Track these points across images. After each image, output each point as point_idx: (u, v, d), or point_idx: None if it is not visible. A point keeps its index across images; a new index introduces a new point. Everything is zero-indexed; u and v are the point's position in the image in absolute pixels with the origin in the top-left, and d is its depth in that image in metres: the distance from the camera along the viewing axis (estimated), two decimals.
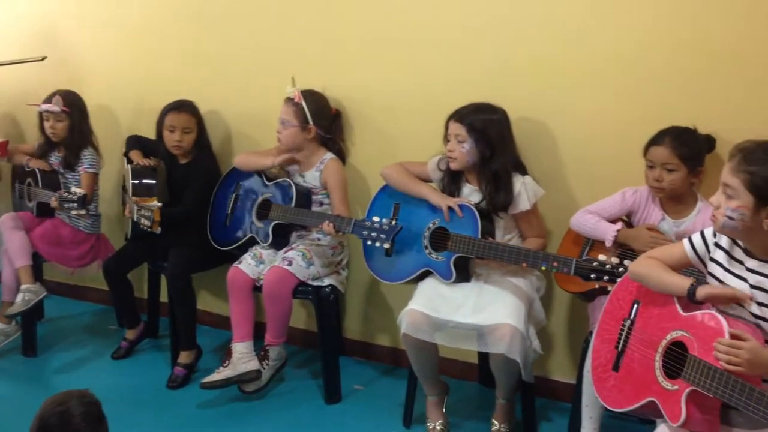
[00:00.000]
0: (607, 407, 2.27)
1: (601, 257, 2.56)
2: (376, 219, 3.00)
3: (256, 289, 3.29)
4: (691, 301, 2.08)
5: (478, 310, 2.76)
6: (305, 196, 3.33)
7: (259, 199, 3.45)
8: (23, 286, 3.59)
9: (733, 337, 1.93)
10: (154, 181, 3.60)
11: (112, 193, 4.10)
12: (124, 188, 3.80)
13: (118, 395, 3.26)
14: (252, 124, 3.76)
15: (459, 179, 2.99)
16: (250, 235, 3.43)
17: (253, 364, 3.22)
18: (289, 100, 3.31)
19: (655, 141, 2.69)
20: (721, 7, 2.73)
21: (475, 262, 2.92)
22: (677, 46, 2.81)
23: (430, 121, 3.05)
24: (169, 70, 3.96)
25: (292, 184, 3.32)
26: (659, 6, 2.83)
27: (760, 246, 2.01)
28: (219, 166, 3.73)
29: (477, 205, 2.90)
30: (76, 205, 3.40)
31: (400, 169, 3.09)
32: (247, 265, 3.30)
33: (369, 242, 3.02)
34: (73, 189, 3.50)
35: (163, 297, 3.82)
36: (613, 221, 2.79)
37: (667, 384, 2.05)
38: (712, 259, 2.14)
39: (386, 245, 2.99)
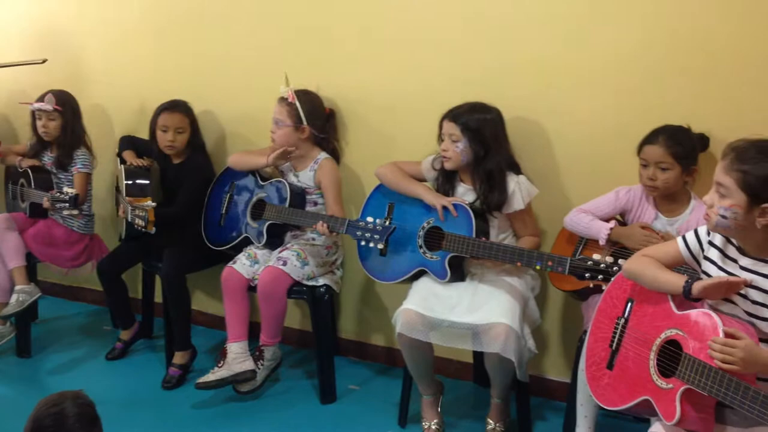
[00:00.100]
0: (602, 406, 2.28)
1: (596, 256, 2.56)
2: (369, 219, 3.00)
3: (251, 289, 3.28)
4: (687, 298, 2.08)
5: (472, 310, 2.76)
6: (299, 196, 3.32)
7: (254, 199, 3.44)
8: (17, 287, 3.59)
9: (727, 335, 1.93)
10: (147, 182, 3.59)
11: (105, 193, 4.09)
12: (117, 189, 3.79)
13: (113, 396, 3.27)
14: (246, 124, 3.76)
15: (453, 179, 2.99)
16: (245, 235, 3.42)
17: (248, 365, 3.22)
18: (283, 99, 3.30)
19: (649, 140, 2.70)
20: (717, 6, 2.73)
21: (470, 262, 2.92)
22: (673, 46, 2.81)
23: (425, 121, 3.05)
24: (162, 70, 3.95)
25: (286, 184, 3.31)
26: (655, 6, 2.83)
27: (753, 244, 2.02)
28: (213, 166, 3.73)
29: (471, 205, 2.90)
30: (68, 205, 3.39)
31: (395, 168, 3.09)
32: (241, 265, 3.30)
33: (363, 242, 3.02)
34: (65, 189, 3.49)
35: (158, 297, 3.82)
36: (607, 220, 2.79)
37: (661, 382, 2.06)
38: (706, 258, 2.14)
39: (380, 246, 2.99)
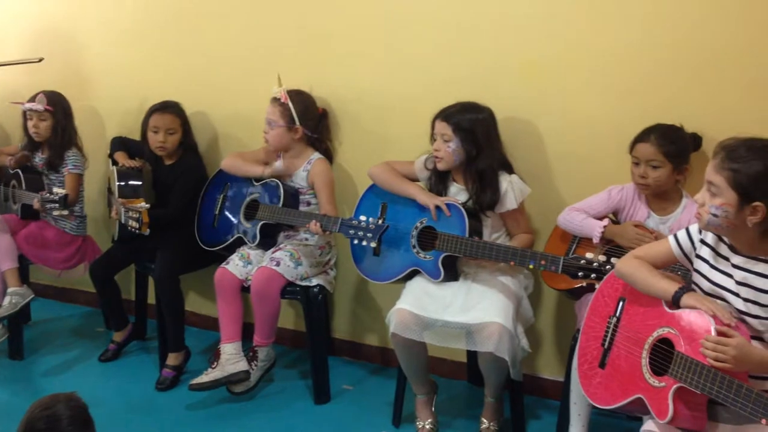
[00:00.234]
0: (594, 404, 2.28)
1: (588, 255, 2.57)
2: (363, 218, 3.00)
3: (244, 289, 3.28)
4: (675, 305, 2.09)
5: (466, 309, 2.76)
6: (293, 196, 3.32)
7: (247, 200, 3.44)
8: (10, 289, 3.57)
9: (719, 333, 1.94)
10: (140, 183, 3.58)
11: (97, 194, 4.08)
12: (109, 190, 3.78)
13: (106, 398, 3.26)
14: (239, 124, 3.75)
15: (446, 178, 2.99)
16: (238, 235, 3.42)
17: (242, 365, 3.21)
18: (276, 100, 3.30)
19: (641, 138, 2.71)
20: (711, 7, 2.74)
21: (463, 261, 2.93)
22: (667, 46, 2.82)
23: (418, 121, 3.05)
24: (155, 71, 3.94)
25: (279, 184, 3.31)
26: (649, 6, 2.83)
27: (745, 242, 2.03)
28: (205, 167, 3.73)
29: (464, 204, 2.90)
30: (57, 205, 3.37)
31: (387, 168, 3.09)
32: (234, 265, 3.30)
33: (356, 241, 3.02)
34: (55, 189, 3.47)
35: (151, 299, 3.81)
36: (600, 218, 2.80)
37: (654, 381, 2.06)
38: (698, 256, 2.15)
39: (373, 244, 2.99)
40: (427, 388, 3.00)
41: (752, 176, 1.91)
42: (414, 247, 2.96)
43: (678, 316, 2.07)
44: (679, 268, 2.37)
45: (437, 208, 2.90)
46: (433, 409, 3.02)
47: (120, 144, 3.78)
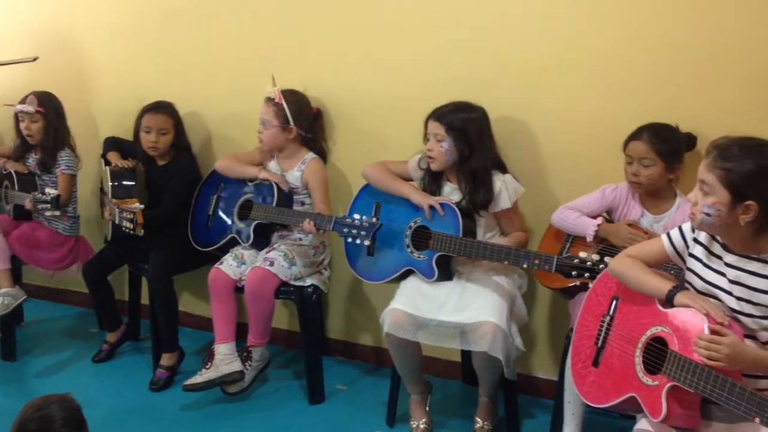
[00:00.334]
0: (588, 403, 2.28)
1: (582, 254, 2.57)
2: (356, 216, 3.00)
3: (238, 289, 3.27)
4: (669, 304, 2.10)
5: (460, 309, 2.76)
6: (287, 196, 3.32)
7: (241, 200, 3.44)
8: (2, 290, 3.55)
9: (713, 332, 1.94)
10: (133, 183, 3.58)
11: (90, 195, 4.07)
12: (101, 190, 3.77)
13: (100, 398, 3.25)
14: (232, 125, 3.75)
15: (440, 178, 3.00)
16: (231, 235, 3.41)
17: (236, 366, 3.21)
18: (270, 100, 3.30)
19: (634, 136, 2.72)
20: (707, 7, 2.74)
21: (457, 261, 2.93)
22: (662, 46, 2.82)
23: (412, 120, 3.05)
24: (149, 71, 3.94)
25: (273, 184, 3.30)
26: (643, 6, 2.84)
27: (737, 241, 2.03)
28: (198, 167, 3.72)
29: (458, 204, 2.90)
30: (49, 206, 3.36)
31: (381, 168, 3.09)
32: (228, 265, 3.29)
33: (349, 239, 3.01)
34: (48, 190, 3.46)
35: (144, 299, 3.80)
36: (594, 217, 2.80)
37: (647, 379, 2.07)
38: (691, 255, 2.15)
39: (366, 242, 2.99)
40: (421, 387, 3.01)
41: (744, 175, 1.92)
42: (408, 246, 2.96)
43: (671, 315, 2.07)
44: (672, 267, 2.37)
45: (431, 207, 2.90)
46: (427, 408, 3.02)
47: (113, 144, 3.77)
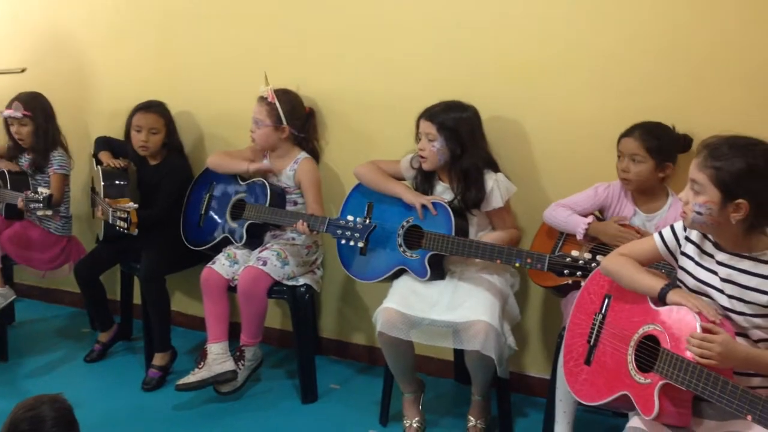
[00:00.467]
0: (580, 401, 2.29)
1: (574, 253, 2.58)
2: (350, 218, 3.00)
3: (231, 289, 3.27)
4: (661, 302, 2.10)
5: (452, 308, 2.77)
6: (279, 196, 3.31)
7: (233, 199, 3.43)
8: None
9: (705, 330, 1.95)
10: (125, 183, 3.57)
11: (81, 194, 4.05)
12: (93, 190, 3.76)
13: (92, 399, 3.24)
14: (225, 124, 3.74)
15: (432, 177, 3.00)
16: (224, 235, 3.41)
17: (229, 365, 3.20)
18: (263, 99, 3.29)
19: (626, 133, 2.74)
20: (703, 7, 2.74)
21: (450, 260, 2.93)
22: (659, 46, 2.83)
23: (404, 120, 3.05)
24: (141, 71, 3.93)
25: (266, 183, 3.30)
26: (642, 5, 2.84)
27: (729, 239, 2.04)
28: (191, 167, 3.71)
29: (450, 203, 2.90)
30: (41, 205, 3.34)
31: (373, 167, 3.09)
32: (220, 265, 3.29)
33: (343, 241, 3.01)
34: (40, 189, 3.45)
35: (137, 299, 3.79)
36: (586, 215, 2.81)
37: (639, 377, 2.07)
38: (683, 253, 2.16)
39: (360, 244, 2.99)
40: (414, 386, 3.01)
41: (734, 174, 1.92)
42: (400, 246, 2.96)
43: (663, 313, 2.08)
44: (664, 265, 2.38)
45: (423, 206, 2.90)
46: (420, 407, 3.02)
47: (104, 144, 3.76)
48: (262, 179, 3.34)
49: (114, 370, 3.61)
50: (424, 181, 3.00)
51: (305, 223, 3.07)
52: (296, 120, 3.35)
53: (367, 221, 3.00)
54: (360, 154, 3.29)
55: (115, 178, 3.57)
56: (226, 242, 3.41)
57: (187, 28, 3.76)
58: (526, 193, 3.05)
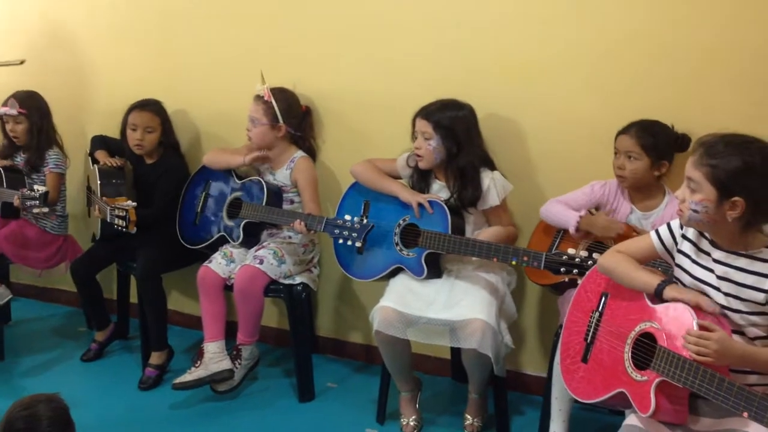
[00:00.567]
0: (577, 399, 2.29)
1: (570, 251, 2.58)
2: (347, 217, 3.00)
3: (227, 288, 3.27)
4: (658, 298, 2.11)
5: (449, 306, 2.77)
6: (276, 195, 3.31)
7: (230, 198, 3.43)
8: None
9: (701, 328, 1.95)
10: (122, 181, 3.56)
11: (78, 193, 4.04)
12: (89, 188, 3.75)
13: (89, 398, 3.24)
14: (221, 123, 3.74)
15: (428, 176, 3.00)
16: (221, 233, 3.40)
17: (226, 364, 3.20)
18: (259, 97, 3.29)
19: (623, 130, 2.75)
20: (700, 6, 2.75)
21: (446, 258, 2.93)
22: (652, 43, 2.83)
23: (400, 118, 3.05)
24: (137, 69, 3.92)
25: (263, 182, 3.30)
26: (638, 4, 2.84)
27: (725, 237, 2.04)
28: (187, 166, 3.70)
29: (446, 201, 2.90)
30: (37, 202, 3.33)
31: (370, 166, 3.09)
32: (217, 264, 3.28)
33: (341, 240, 3.01)
34: (36, 186, 3.44)
35: (133, 298, 3.79)
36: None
37: (636, 375, 2.07)
38: (680, 251, 2.16)
39: (358, 243, 2.99)
40: (411, 385, 3.01)
41: (730, 171, 1.93)
42: (397, 244, 2.96)
43: (660, 310, 2.08)
44: (661, 263, 2.38)
45: (420, 205, 2.90)
46: (417, 405, 3.03)
47: (100, 142, 3.75)
48: (258, 178, 3.34)
49: (111, 369, 3.61)
50: (421, 180, 3.00)
51: (303, 223, 3.06)
52: (293, 118, 3.34)
53: (365, 221, 3.00)
54: (356, 152, 3.28)
55: (112, 176, 3.56)
56: (222, 241, 3.41)
57: (185, 27, 3.76)
58: (523, 192, 3.05)
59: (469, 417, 2.95)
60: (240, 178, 3.42)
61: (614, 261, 2.23)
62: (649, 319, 2.10)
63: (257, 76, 3.28)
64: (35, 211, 3.40)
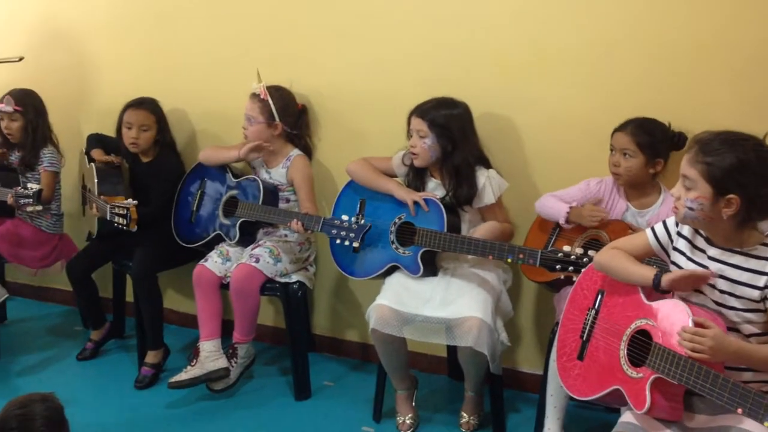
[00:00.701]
0: (573, 396, 2.29)
1: (566, 248, 2.58)
2: (344, 217, 3.00)
3: (223, 286, 3.26)
4: (656, 290, 2.11)
5: (445, 304, 2.77)
6: (272, 193, 3.31)
7: (226, 197, 3.42)
8: None
9: (696, 324, 1.96)
10: (119, 180, 3.55)
11: (73, 192, 4.04)
12: (84, 187, 3.74)
13: (85, 397, 3.24)
14: (217, 121, 3.73)
15: (424, 174, 3.00)
16: (217, 232, 3.40)
17: (222, 362, 3.20)
18: (255, 96, 3.28)
19: (619, 127, 2.75)
20: (704, 4, 2.75)
21: (442, 256, 2.93)
22: (645, 40, 2.83)
23: (396, 117, 3.05)
24: (133, 68, 3.91)
25: (259, 181, 3.29)
26: (634, 2, 2.84)
27: (720, 235, 2.05)
28: (183, 164, 3.70)
29: (442, 200, 2.90)
30: (31, 200, 3.32)
31: (365, 164, 3.09)
32: (213, 262, 3.28)
33: (338, 240, 3.01)
34: (30, 185, 3.43)
35: (129, 296, 3.78)
36: None
37: (631, 372, 2.08)
38: (675, 249, 2.17)
39: (355, 244, 2.98)
40: (407, 383, 3.01)
41: (725, 169, 1.93)
42: (393, 242, 2.96)
43: (655, 307, 2.09)
44: (656, 261, 2.38)
45: (415, 203, 2.90)
46: (413, 403, 3.03)
47: (96, 141, 3.74)
48: (254, 176, 3.34)
49: (106, 368, 3.60)
50: (416, 178, 3.00)
51: (300, 223, 3.06)
52: (289, 117, 3.34)
53: (362, 221, 3.00)
54: (352, 150, 3.28)
55: (109, 175, 3.55)
56: (218, 239, 3.40)
57: (182, 26, 3.75)
58: (519, 190, 3.05)
59: (465, 415, 2.96)
60: (236, 176, 3.42)
61: (609, 256, 2.24)
62: (644, 316, 2.11)
63: (253, 75, 3.28)
64: (29, 209, 3.40)
